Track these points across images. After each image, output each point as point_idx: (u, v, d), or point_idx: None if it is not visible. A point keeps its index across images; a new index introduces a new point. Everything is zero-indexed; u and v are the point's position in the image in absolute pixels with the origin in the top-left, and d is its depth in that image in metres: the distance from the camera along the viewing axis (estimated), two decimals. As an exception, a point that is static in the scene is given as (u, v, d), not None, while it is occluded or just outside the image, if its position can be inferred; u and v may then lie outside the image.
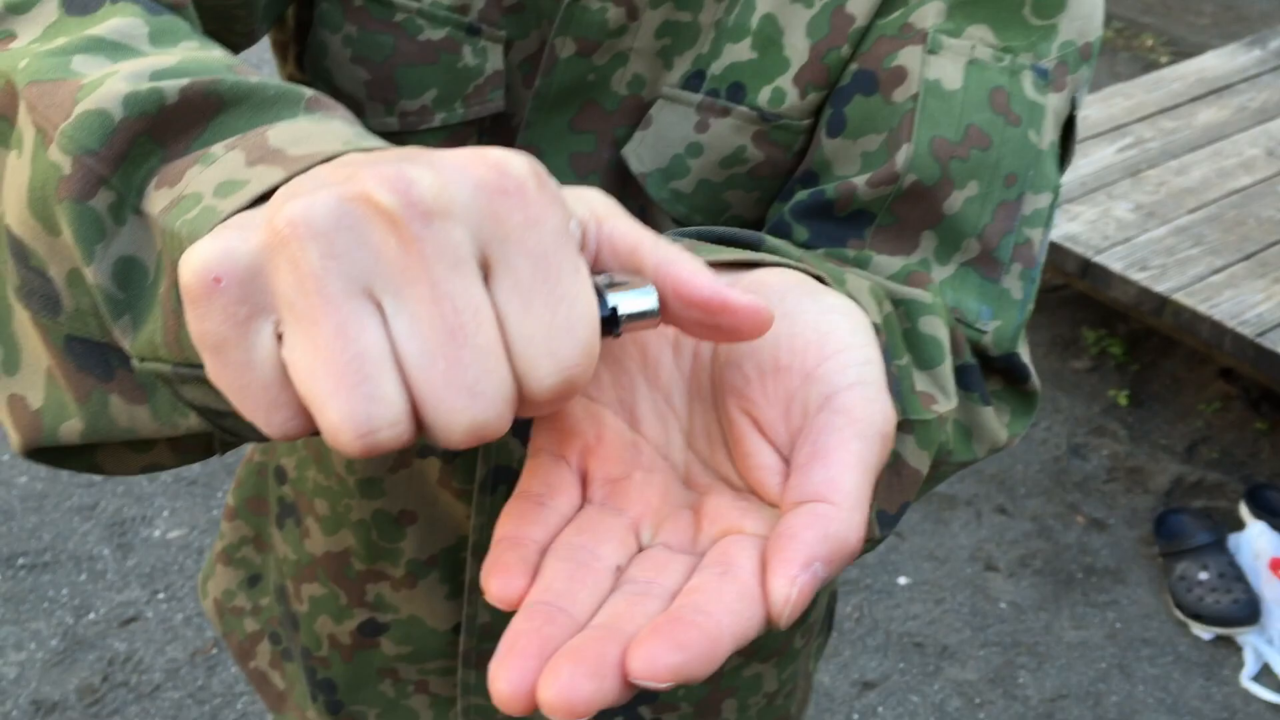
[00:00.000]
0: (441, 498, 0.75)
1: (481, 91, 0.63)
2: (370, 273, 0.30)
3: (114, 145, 0.35)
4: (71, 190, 0.35)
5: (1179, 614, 2.25)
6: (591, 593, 0.34)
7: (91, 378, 0.38)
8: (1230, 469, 2.57)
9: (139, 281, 0.35)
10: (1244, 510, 2.42)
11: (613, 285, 0.34)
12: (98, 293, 0.36)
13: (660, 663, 0.29)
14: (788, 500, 0.34)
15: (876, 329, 0.48)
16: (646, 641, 0.30)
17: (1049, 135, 0.59)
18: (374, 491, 0.77)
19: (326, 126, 0.36)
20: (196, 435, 0.40)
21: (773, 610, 0.32)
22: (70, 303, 0.37)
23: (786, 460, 0.36)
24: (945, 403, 0.52)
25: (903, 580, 2.33)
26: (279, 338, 0.30)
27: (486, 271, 0.31)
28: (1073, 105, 0.61)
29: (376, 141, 0.36)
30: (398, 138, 0.64)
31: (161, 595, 2.16)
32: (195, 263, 0.30)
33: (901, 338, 0.53)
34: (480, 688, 0.82)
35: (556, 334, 0.30)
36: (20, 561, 2.20)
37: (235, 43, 0.60)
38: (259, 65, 3.80)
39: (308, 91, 0.39)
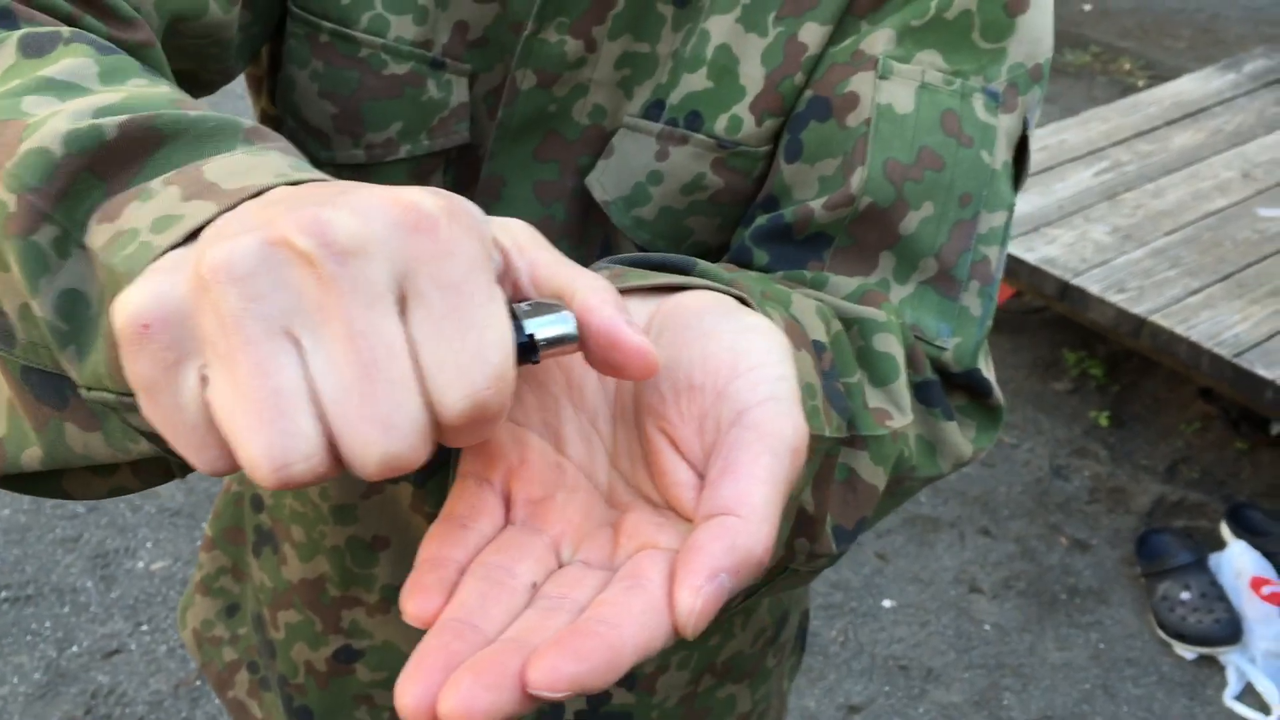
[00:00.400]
0: (414, 523, 0.76)
1: (446, 124, 0.64)
2: (289, 313, 0.31)
3: (55, 182, 0.36)
4: (17, 226, 0.36)
5: (1162, 634, 2.26)
6: (504, 609, 0.34)
7: (47, 407, 0.39)
8: (1211, 489, 2.58)
9: (82, 313, 0.37)
10: (1225, 530, 2.43)
11: (535, 311, 0.35)
12: (44, 324, 0.37)
13: (559, 673, 0.30)
14: (699, 515, 0.35)
15: (821, 347, 0.49)
16: (547, 653, 0.30)
17: (1001, 155, 0.61)
18: (347, 518, 0.77)
19: (262, 159, 0.37)
20: (153, 459, 0.41)
21: (678, 620, 0.33)
22: (23, 335, 0.38)
23: (702, 476, 0.37)
24: (900, 418, 0.53)
25: (887, 603, 2.33)
26: (204, 380, 0.32)
27: (403, 306, 0.32)
28: (1024, 125, 0.62)
29: (310, 172, 0.37)
30: (364, 170, 0.65)
31: (145, 627, 2.16)
32: (127, 309, 0.31)
33: (854, 356, 0.54)
34: None
35: (467, 360, 0.31)
36: (2, 594, 2.19)
37: (211, 79, 0.62)
38: (241, 96, 3.82)
39: (246, 123, 0.40)
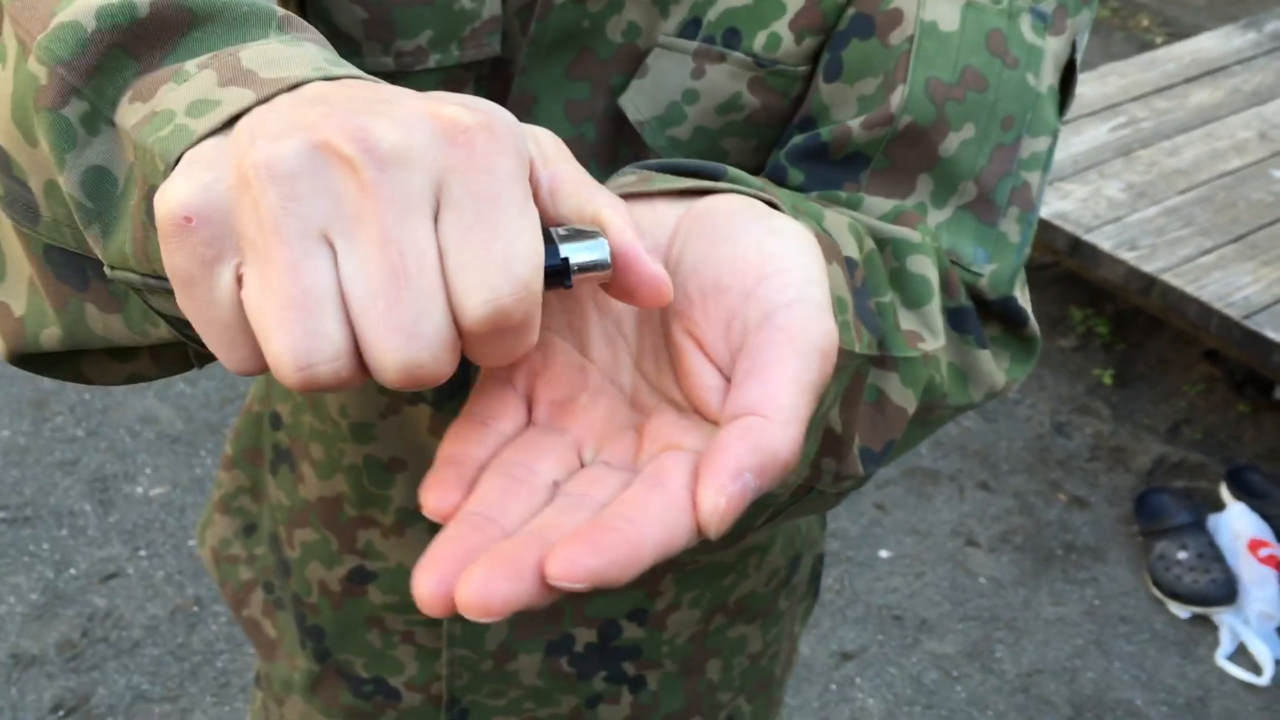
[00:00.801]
0: (430, 446, 0.75)
1: (478, 35, 0.62)
2: (327, 216, 0.31)
3: (87, 56, 0.36)
4: (47, 99, 0.36)
5: (1157, 592, 2.27)
6: (525, 505, 0.34)
7: (68, 287, 0.39)
8: (1212, 450, 2.58)
9: (109, 192, 0.36)
10: (1224, 491, 2.44)
11: (571, 236, 0.35)
12: (70, 201, 0.37)
13: (578, 565, 0.30)
14: (724, 416, 0.35)
15: (853, 264, 0.48)
16: (566, 545, 0.30)
17: (1047, 78, 0.59)
18: (365, 436, 0.76)
19: (298, 50, 0.37)
20: (173, 346, 0.41)
21: (701, 518, 0.32)
22: (48, 212, 0.38)
23: (728, 379, 0.36)
24: (932, 341, 0.52)
25: (884, 553, 2.34)
26: (240, 278, 0.32)
27: (437, 214, 0.32)
28: (1073, 49, 0.61)
29: (345, 68, 0.37)
30: (393, 78, 0.63)
31: (143, 552, 2.16)
32: (170, 201, 0.31)
33: (887, 276, 0.53)
34: (465, 639, 0.83)
35: (491, 265, 0.31)
36: (1, 515, 2.19)
37: None
38: None
39: (279, 10, 0.39)
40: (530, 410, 0.39)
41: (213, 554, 0.95)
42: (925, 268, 0.54)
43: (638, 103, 0.63)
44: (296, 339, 0.31)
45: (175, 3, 0.37)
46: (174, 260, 0.32)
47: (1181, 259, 2.44)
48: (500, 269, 0.31)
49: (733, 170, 0.45)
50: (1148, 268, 2.40)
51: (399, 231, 0.31)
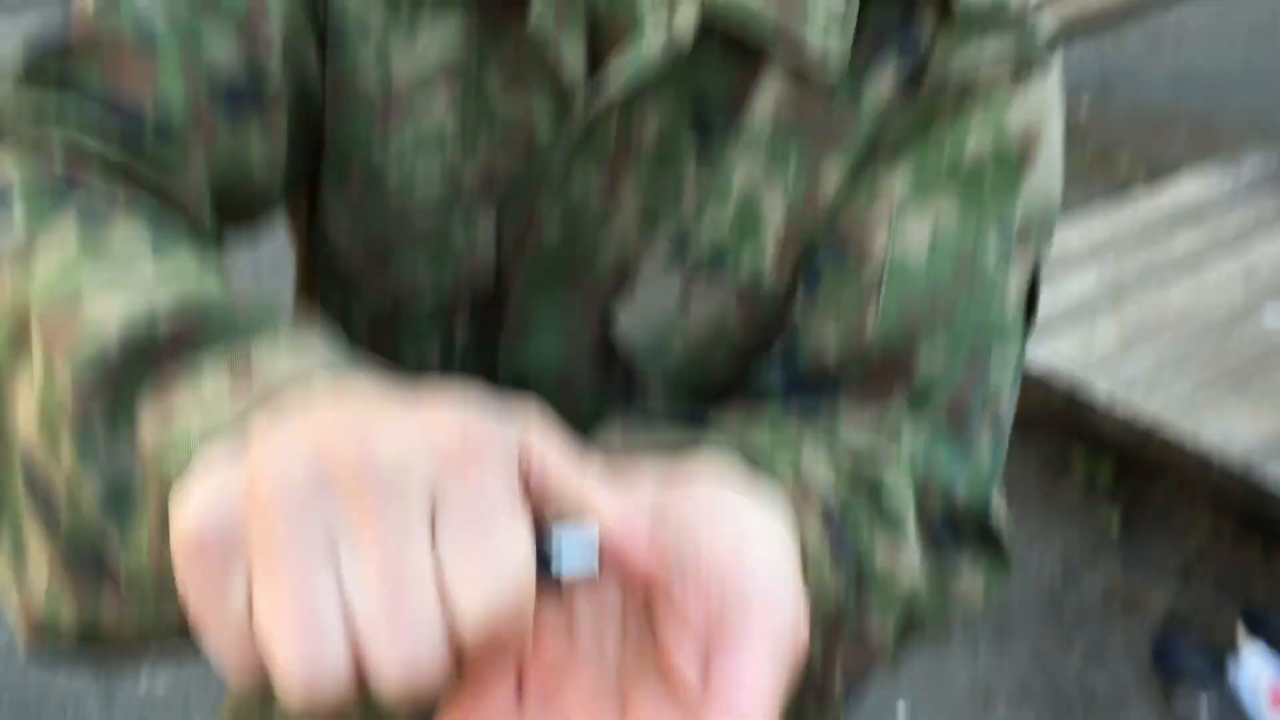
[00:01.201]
0: None
1: (471, 269, 0.66)
2: (331, 539, 0.33)
3: (109, 375, 0.39)
4: (71, 417, 0.39)
5: (1182, 746, 2.22)
6: None
7: (86, 579, 0.41)
8: (1226, 593, 2.55)
9: (127, 499, 0.39)
10: (1240, 633, 2.40)
11: (562, 536, 0.36)
12: (90, 509, 0.39)
13: None
14: (702, 705, 0.37)
15: (830, 515, 0.50)
16: None
17: (1013, 298, 0.62)
18: None
19: (301, 358, 0.40)
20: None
21: None
22: (67, 518, 0.41)
23: (705, 663, 0.38)
24: (909, 577, 0.53)
25: (902, 706, 2.29)
26: (249, 596, 0.33)
27: (434, 528, 0.33)
28: (1036, 268, 0.64)
29: (346, 365, 0.40)
30: (393, 311, 0.67)
31: (148, 746, 2.12)
32: (185, 521, 0.33)
33: (866, 502, 0.54)
34: None
35: (486, 583, 0.33)
36: (5, 709, 2.16)
37: (236, 227, 0.64)
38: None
39: (282, 312, 0.43)
40: (520, 679, 0.40)
41: None
42: (902, 491, 0.56)
43: (627, 331, 0.65)
44: (303, 655, 0.32)
45: (191, 322, 0.41)
46: (189, 577, 0.33)
47: (1179, 402, 2.45)
48: (494, 584, 0.33)
49: (715, 418, 0.48)
50: (1145, 413, 2.42)
51: (398, 552, 0.32)
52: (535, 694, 0.39)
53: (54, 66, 0.52)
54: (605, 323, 0.66)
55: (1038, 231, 0.63)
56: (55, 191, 0.47)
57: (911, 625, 0.56)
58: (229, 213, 0.60)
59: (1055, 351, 2.61)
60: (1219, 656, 2.32)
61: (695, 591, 0.39)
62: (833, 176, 0.63)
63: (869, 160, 0.63)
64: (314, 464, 0.33)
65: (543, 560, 0.36)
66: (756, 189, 0.63)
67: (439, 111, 0.64)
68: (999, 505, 0.63)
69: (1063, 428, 2.99)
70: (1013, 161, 0.62)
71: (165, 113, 0.54)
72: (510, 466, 0.35)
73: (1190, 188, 3.28)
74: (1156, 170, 4.41)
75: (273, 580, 0.32)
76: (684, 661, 0.38)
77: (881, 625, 0.52)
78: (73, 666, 0.46)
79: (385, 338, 0.68)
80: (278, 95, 0.59)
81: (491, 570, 0.33)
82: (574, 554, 0.36)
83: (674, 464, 0.44)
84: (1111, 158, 4.57)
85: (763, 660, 0.37)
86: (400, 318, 0.67)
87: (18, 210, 0.46)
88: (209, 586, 0.33)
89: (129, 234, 0.45)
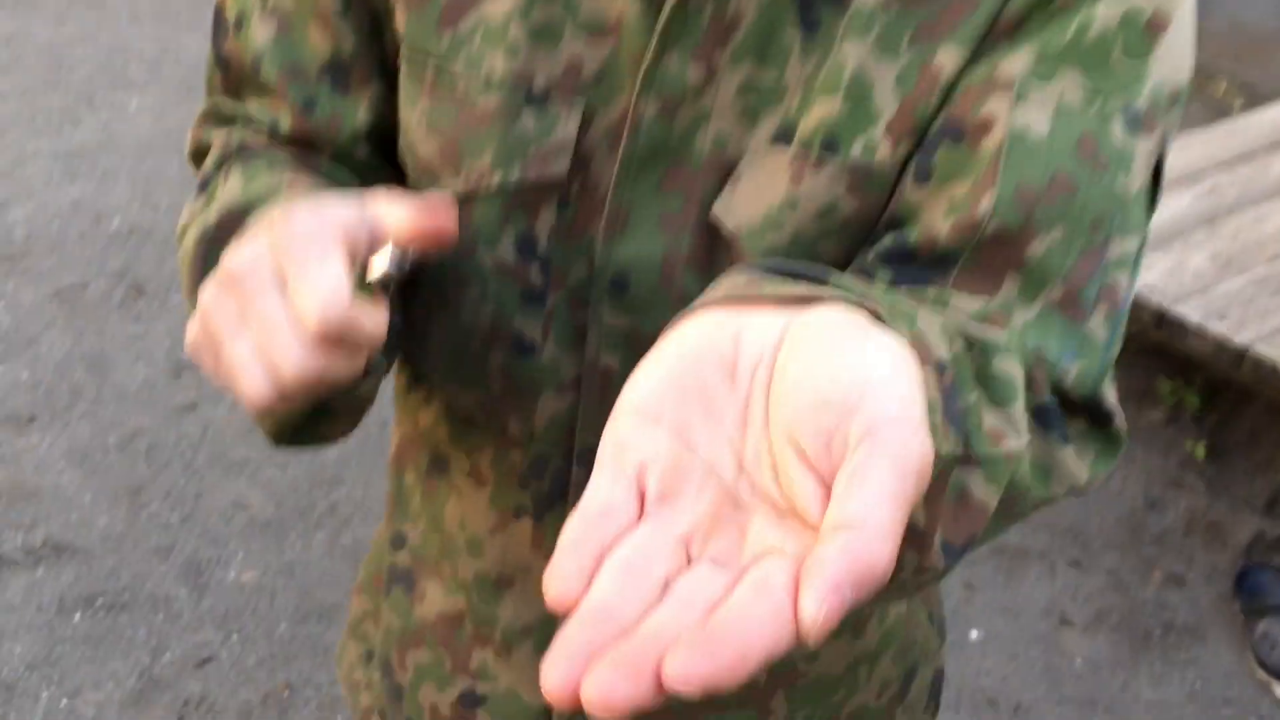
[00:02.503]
0: (535, 565, 0.76)
1: (542, 157, 0.65)
2: (233, 312, 0.53)
3: (205, 245, 0.65)
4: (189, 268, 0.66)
5: (1262, 674, 2.19)
6: (638, 602, 0.36)
7: None
8: (1313, 524, 2.50)
9: None
10: (1328, 567, 2.36)
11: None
12: None
13: (692, 672, 0.32)
14: (824, 526, 0.36)
15: (943, 366, 0.49)
16: (681, 652, 0.33)
17: (1138, 180, 0.59)
18: (477, 552, 0.78)
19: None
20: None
21: (802, 628, 0.34)
22: None
23: (827, 488, 0.38)
24: (1015, 440, 0.52)
25: (975, 634, 2.29)
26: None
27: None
28: (1162, 148, 0.61)
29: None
30: (467, 199, 0.67)
31: (235, 637, 2.19)
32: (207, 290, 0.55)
33: (973, 376, 0.53)
34: None
35: (316, 294, 0.50)
36: (99, 602, 2.24)
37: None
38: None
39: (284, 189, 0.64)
40: (641, 501, 0.40)
41: (345, 676, 0.96)
42: (1011, 367, 0.54)
43: (732, 212, 0.64)
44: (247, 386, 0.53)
45: (236, 215, 0.62)
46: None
47: (1272, 328, 2.39)
48: (322, 294, 0.49)
49: (835, 274, 0.46)
50: (1237, 339, 2.36)
51: (262, 307, 0.51)
52: (654, 514, 0.40)
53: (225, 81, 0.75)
54: (707, 204, 0.65)
55: (1165, 111, 0.60)
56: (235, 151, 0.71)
57: (1014, 498, 0.56)
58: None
59: (1146, 275, 2.55)
60: (1304, 587, 2.28)
61: (819, 422, 0.38)
62: (950, 58, 0.60)
63: (988, 37, 0.60)
64: (222, 273, 0.52)
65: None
66: (868, 75, 0.61)
67: (506, 4, 0.64)
68: (1110, 389, 0.61)
69: (1151, 353, 2.94)
70: (1141, 35, 0.59)
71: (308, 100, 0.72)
72: (325, 231, 0.51)
73: (1293, 111, 3.16)
74: (1255, 95, 4.26)
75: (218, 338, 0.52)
76: (806, 498, 0.38)
77: (985, 492, 0.52)
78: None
79: (462, 228, 0.69)
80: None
81: (317, 284, 0.49)
82: (380, 264, 0.52)
83: (795, 305, 0.44)
84: (1210, 80, 4.42)
85: (889, 501, 0.36)
86: (473, 212, 0.67)
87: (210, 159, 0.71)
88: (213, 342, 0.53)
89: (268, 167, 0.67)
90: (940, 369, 0.49)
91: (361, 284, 0.52)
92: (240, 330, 0.51)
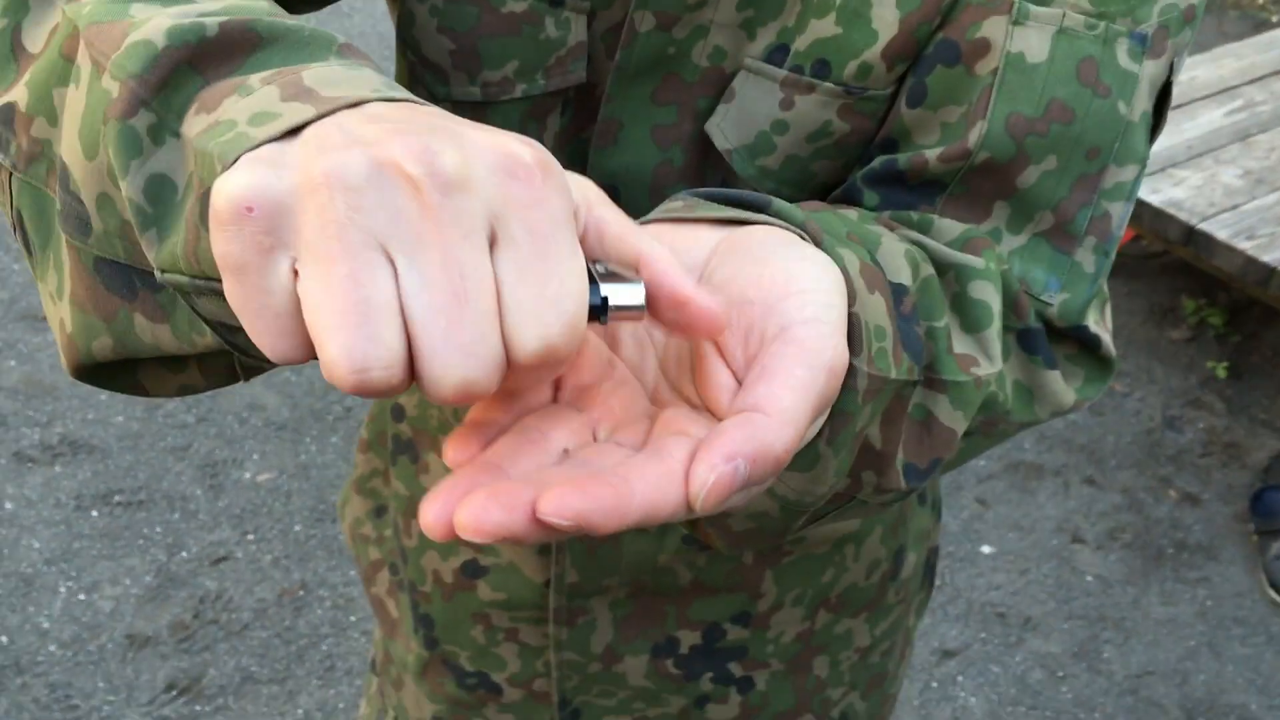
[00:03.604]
0: None
1: (563, 63, 0.63)
2: (389, 231, 0.32)
3: (156, 71, 0.38)
4: (117, 110, 0.38)
5: (1273, 594, 2.20)
6: (533, 462, 0.37)
7: (117, 298, 0.42)
8: (1333, 447, 2.49)
9: (168, 198, 0.38)
10: (1346, 490, 2.35)
11: (607, 275, 0.37)
12: (130, 207, 0.38)
13: (566, 505, 0.33)
14: (730, 410, 0.38)
15: (903, 290, 0.50)
16: (559, 488, 0.33)
17: (1140, 105, 0.57)
18: None
19: (358, 73, 0.38)
20: (219, 357, 0.44)
21: (691, 490, 0.35)
22: (99, 225, 0.40)
23: (740, 382, 0.39)
24: (987, 366, 0.53)
25: (986, 549, 2.30)
26: (295, 273, 0.33)
27: (493, 243, 0.33)
28: (1170, 71, 0.58)
29: (403, 93, 0.38)
30: (481, 108, 0.64)
31: (251, 536, 2.21)
32: (230, 189, 0.32)
33: (947, 301, 0.53)
34: (571, 643, 0.84)
35: (545, 305, 0.33)
36: (116, 499, 2.26)
37: (306, 7, 0.62)
38: (347, 14, 3.83)
39: (339, 38, 0.41)
40: (557, 390, 0.41)
41: (350, 530, 0.98)
42: (987, 293, 0.53)
43: (725, 130, 0.62)
44: (355, 343, 0.32)
45: (242, 25, 0.39)
46: (228, 247, 0.33)
47: (1302, 248, 2.35)
48: (553, 309, 0.33)
49: (778, 203, 0.46)
50: (1266, 257, 2.32)
51: (461, 255, 0.32)
52: (567, 401, 0.40)
53: None
54: (701, 118, 0.63)
55: (1176, 31, 0.57)
56: None
57: (994, 420, 0.55)
58: None
59: (1175, 191, 2.50)
60: (1320, 508, 2.27)
61: (738, 321, 0.39)
62: None
63: None
64: (377, 158, 0.32)
65: (591, 303, 0.37)
66: (867, 0, 0.58)
67: None
68: (1097, 316, 0.60)
69: (1176, 271, 2.90)
70: None
71: None
72: (569, 199, 0.35)
73: (1334, 24, 3.07)
74: (1295, 9, 4.15)
75: (325, 262, 0.32)
76: (718, 389, 0.39)
77: (951, 417, 0.52)
78: (113, 389, 0.48)
79: None
80: None
81: (550, 295, 0.33)
82: (624, 292, 0.37)
83: (730, 226, 0.44)
84: (1247, -5, 4.30)
85: (795, 390, 0.37)
86: (491, 119, 0.65)
87: None
88: (250, 260, 0.33)
89: None
90: (897, 293, 0.50)
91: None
92: (414, 257, 0.32)
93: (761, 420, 0.36)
